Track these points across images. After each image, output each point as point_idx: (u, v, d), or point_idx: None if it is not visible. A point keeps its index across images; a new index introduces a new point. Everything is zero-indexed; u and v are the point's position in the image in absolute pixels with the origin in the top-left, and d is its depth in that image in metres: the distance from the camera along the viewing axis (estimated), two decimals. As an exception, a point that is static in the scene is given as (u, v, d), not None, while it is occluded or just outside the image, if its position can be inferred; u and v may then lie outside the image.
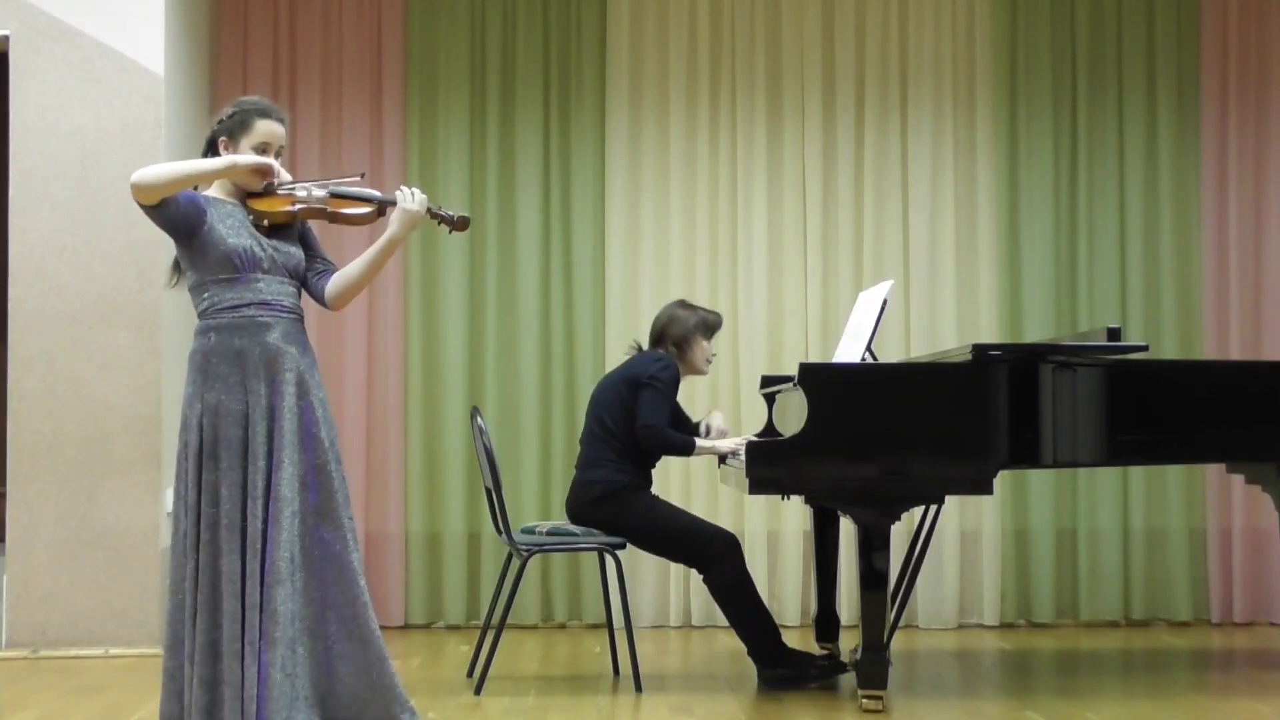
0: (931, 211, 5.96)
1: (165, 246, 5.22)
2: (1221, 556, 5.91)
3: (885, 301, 4.45)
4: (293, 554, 3.40)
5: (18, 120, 5.27)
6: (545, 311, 5.94)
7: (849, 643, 4.71)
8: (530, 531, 4.65)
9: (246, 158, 3.47)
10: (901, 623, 5.22)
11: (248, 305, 3.46)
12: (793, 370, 4.38)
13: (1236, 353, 5.90)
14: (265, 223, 3.51)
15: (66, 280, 5.23)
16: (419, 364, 5.90)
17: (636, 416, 4.61)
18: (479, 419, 4.56)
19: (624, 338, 5.85)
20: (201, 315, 3.51)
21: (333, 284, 3.64)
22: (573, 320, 5.93)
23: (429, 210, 3.65)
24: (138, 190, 3.36)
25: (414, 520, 5.86)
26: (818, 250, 5.96)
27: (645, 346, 4.88)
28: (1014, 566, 5.91)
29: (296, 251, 3.59)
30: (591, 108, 5.98)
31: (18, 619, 5.19)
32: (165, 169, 3.39)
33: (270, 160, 3.51)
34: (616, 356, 5.79)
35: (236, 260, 3.45)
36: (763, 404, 5.23)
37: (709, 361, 4.85)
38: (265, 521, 3.40)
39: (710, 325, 4.82)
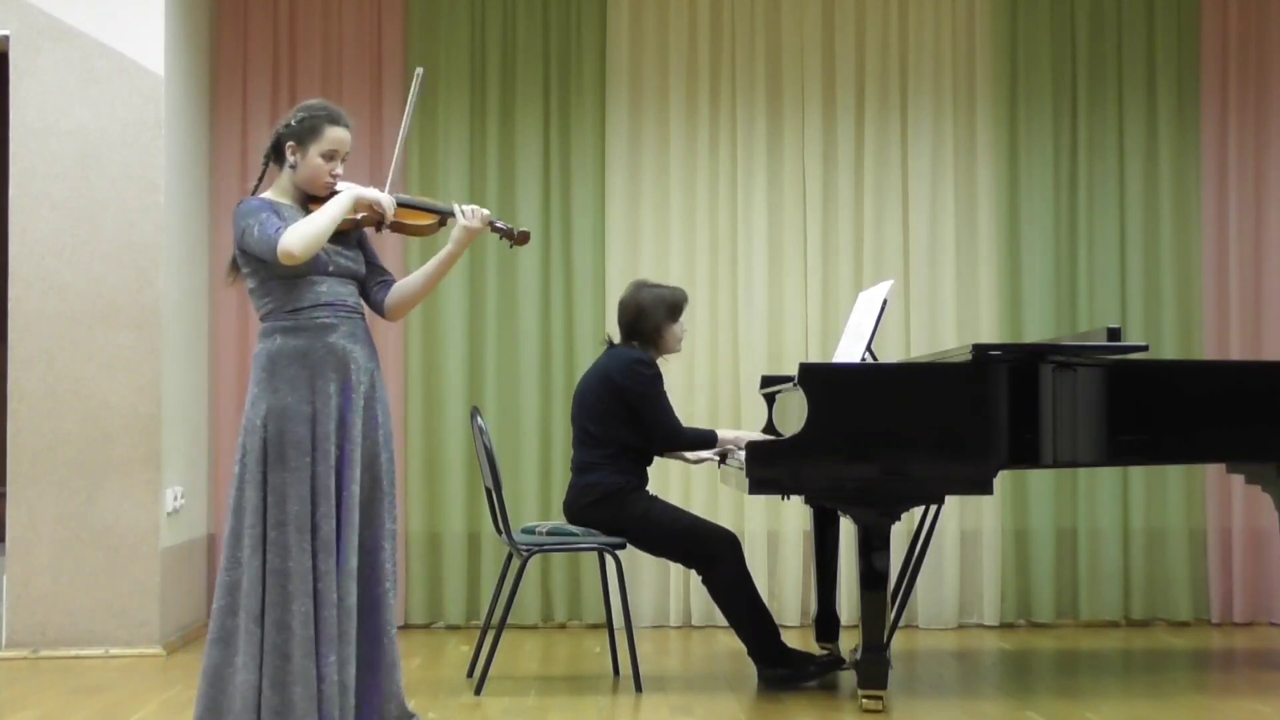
0: (931, 211, 5.96)
1: (165, 247, 5.26)
2: (1221, 556, 5.91)
3: (885, 301, 4.45)
4: (359, 554, 3.46)
5: (18, 120, 5.27)
6: (545, 311, 5.93)
7: (849, 643, 4.71)
8: (530, 531, 4.65)
9: (369, 192, 3.50)
10: (901, 623, 5.22)
11: (312, 307, 3.48)
12: (793, 370, 4.38)
13: (1236, 353, 5.90)
14: (366, 220, 3.55)
15: (66, 280, 5.23)
16: (419, 364, 5.89)
17: (649, 432, 4.59)
18: (479, 419, 4.56)
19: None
20: (265, 318, 3.52)
21: (391, 296, 3.67)
22: (573, 320, 5.93)
23: (491, 224, 3.70)
24: (300, 258, 3.37)
25: (414, 520, 5.86)
26: (818, 250, 5.96)
27: (616, 339, 4.83)
28: (1014, 566, 5.91)
29: (357, 255, 3.61)
30: (591, 108, 5.98)
31: (18, 619, 5.19)
32: (311, 234, 3.38)
33: (381, 195, 3.52)
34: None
35: (302, 265, 3.46)
36: (763, 404, 5.23)
37: (681, 339, 4.83)
38: (338, 522, 3.43)
39: (675, 307, 4.74)
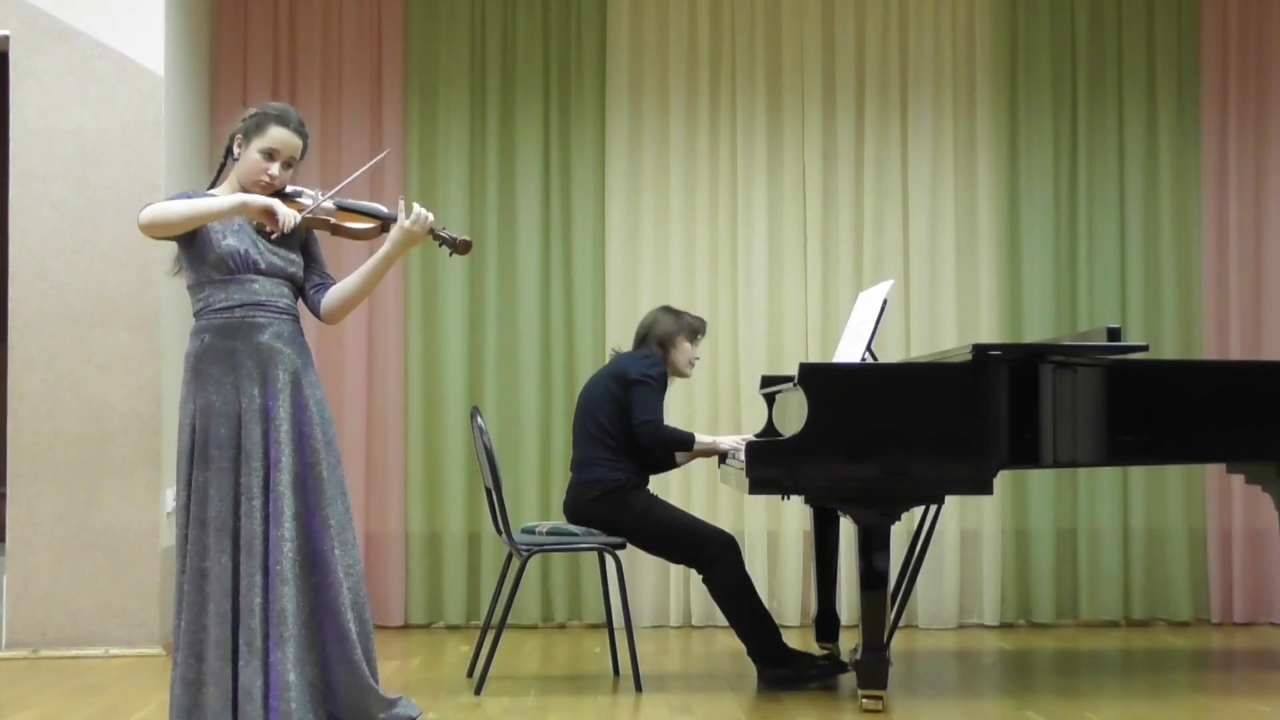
0: (931, 211, 5.96)
1: (165, 247, 5.23)
2: (1221, 556, 5.91)
3: (885, 301, 4.45)
4: (294, 554, 3.41)
5: (18, 120, 5.27)
6: (545, 312, 5.94)
7: (849, 643, 4.71)
8: (530, 531, 4.65)
9: (257, 199, 3.41)
10: (901, 623, 5.22)
11: (241, 306, 3.46)
12: (793, 370, 4.38)
13: (1236, 353, 5.90)
14: (268, 229, 3.50)
15: (66, 280, 5.23)
16: (419, 364, 5.90)
17: (631, 414, 4.61)
18: (479, 419, 4.56)
19: (625, 338, 5.86)
20: (196, 315, 3.52)
21: (328, 298, 3.63)
22: (573, 320, 5.93)
23: (431, 231, 3.62)
24: (147, 230, 3.40)
25: (414, 520, 5.86)
26: (818, 250, 5.96)
27: (625, 351, 4.89)
28: (1014, 566, 5.91)
29: (296, 258, 3.59)
30: (591, 108, 5.98)
31: (18, 619, 5.19)
32: (175, 211, 3.37)
33: (276, 204, 3.42)
34: (616, 356, 5.81)
35: (232, 262, 3.45)
36: (763, 404, 5.23)
37: (691, 364, 4.87)
38: (265, 523, 3.40)
39: (695, 329, 4.84)
